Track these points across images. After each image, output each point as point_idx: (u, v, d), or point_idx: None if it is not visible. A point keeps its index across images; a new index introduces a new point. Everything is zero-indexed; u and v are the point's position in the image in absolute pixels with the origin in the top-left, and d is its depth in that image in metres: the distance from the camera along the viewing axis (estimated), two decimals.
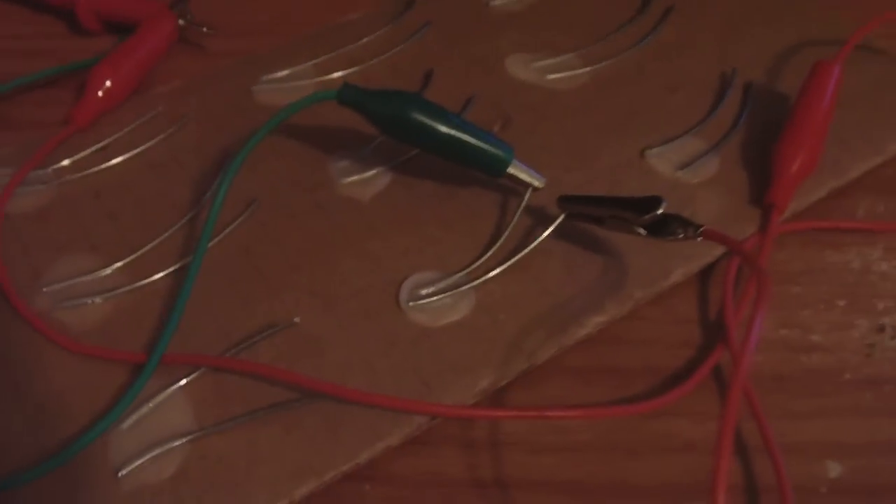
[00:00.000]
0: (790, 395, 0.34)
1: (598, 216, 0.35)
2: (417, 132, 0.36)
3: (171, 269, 0.35)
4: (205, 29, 0.47)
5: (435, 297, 0.34)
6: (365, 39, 0.46)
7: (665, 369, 0.34)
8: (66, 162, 0.39)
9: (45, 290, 0.35)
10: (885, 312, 0.36)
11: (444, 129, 0.36)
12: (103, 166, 0.39)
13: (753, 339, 0.26)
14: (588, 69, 0.44)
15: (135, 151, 0.40)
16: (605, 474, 0.32)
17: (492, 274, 0.35)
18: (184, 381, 0.32)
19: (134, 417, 0.31)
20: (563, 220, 0.36)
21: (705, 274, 0.37)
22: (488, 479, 0.31)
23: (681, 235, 0.33)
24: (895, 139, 0.41)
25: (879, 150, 0.41)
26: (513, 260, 0.35)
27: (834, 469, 0.32)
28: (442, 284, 0.35)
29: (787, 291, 0.37)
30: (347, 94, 0.36)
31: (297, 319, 0.34)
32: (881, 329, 0.36)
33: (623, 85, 0.44)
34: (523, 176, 0.37)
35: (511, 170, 0.37)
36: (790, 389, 0.34)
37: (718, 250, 0.36)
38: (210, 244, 0.36)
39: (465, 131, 0.36)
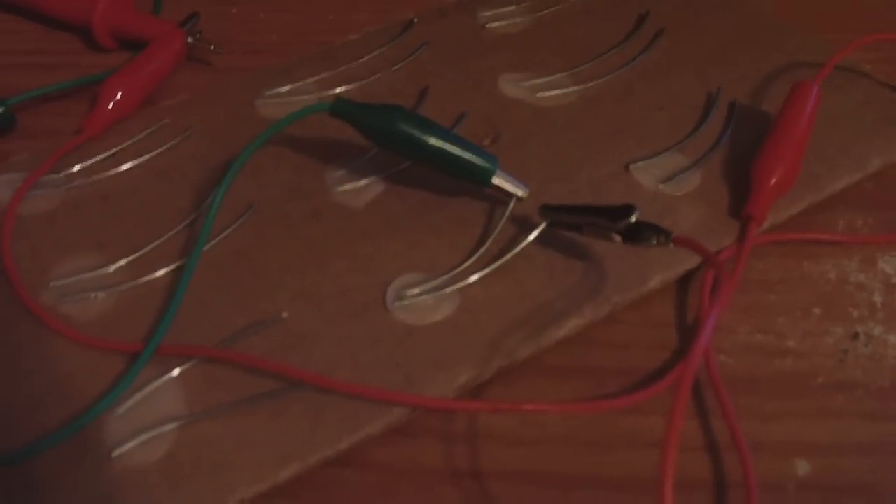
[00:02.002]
0: (763, 396, 0.35)
1: (577, 224, 0.37)
2: (405, 143, 0.38)
3: (170, 268, 0.37)
4: (212, 47, 0.49)
5: (420, 298, 0.36)
6: (365, 58, 0.48)
7: (640, 370, 0.36)
8: (76, 168, 0.42)
9: (51, 285, 0.36)
10: (859, 321, 0.38)
11: (431, 140, 0.38)
12: (111, 172, 0.41)
13: (708, 329, 0.27)
14: (577, 88, 0.46)
15: (142, 159, 0.42)
16: (578, 467, 0.33)
17: (475, 277, 0.37)
18: (177, 371, 0.33)
19: (129, 403, 0.32)
20: (545, 227, 0.37)
21: (684, 281, 0.39)
22: (465, 468, 0.33)
23: (654, 242, 0.34)
24: (875, 156, 0.42)
25: (860, 167, 0.42)
26: (496, 264, 0.37)
27: (802, 467, 0.33)
28: (428, 286, 0.36)
29: (765, 299, 0.38)
30: (340, 107, 0.38)
31: (284, 315, 0.35)
32: (855, 336, 0.37)
33: (611, 103, 0.45)
34: (507, 186, 0.39)
35: (496, 180, 0.38)
36: (763, 391, 0.35)
37: (696, 259, 0.38)
38: (208, 246, 0.38)
39: (451, 142, 0.38)
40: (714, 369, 0.35)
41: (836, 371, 0.36)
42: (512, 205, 0.39)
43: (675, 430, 0.26)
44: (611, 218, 0.35)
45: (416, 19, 0.51)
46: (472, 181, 0.39)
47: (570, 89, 0.46)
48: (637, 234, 0.35)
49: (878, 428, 0.34)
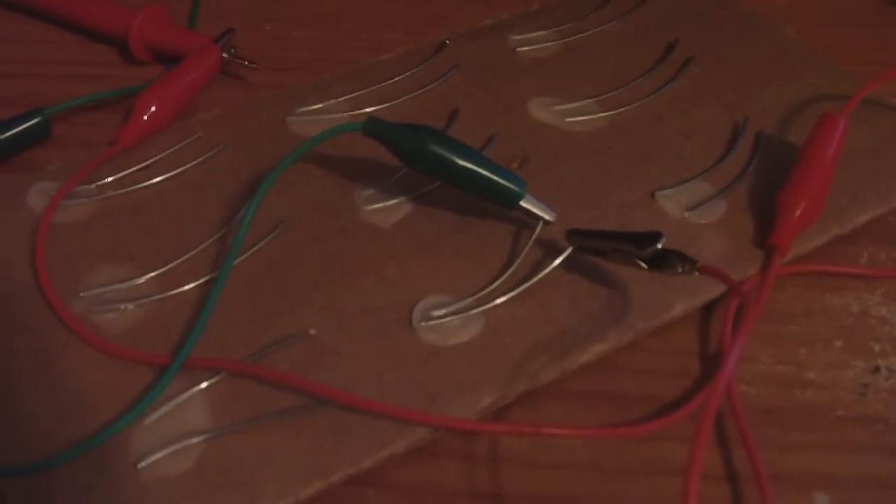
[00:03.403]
0: (783, 427, 0.35)
1: (602, 249, 0.37)
2: (436, 164, 0.38)
3: (200, 281, 0.38)
4: (246, 62, 0.50)
5: (446, 319, 0.36)
6: (396, 78, 0.49)
7: (662, 397, 0.36)
8: (109, 179, 0.42)
9: (82, 295, 0.37)
10: (880, 355, 0.38)
11: (460, 161, 0.38)
12: (144, 184, 0.42)
13: (732, 359, 0.28)
14: (605, 114, 0.46)
15: (174, 172, 0.43)
16: (600, 492, 0.33)
17: (501, 300, 0.37)
18: (204, 384, 0.34)
19: (156, 415, 0.33)
20: (571, 252, 0.38)
21: (707, 310, 0.39)
22: (486, 490, 0.33)
23: (679, 270, 0.35)
24: None
25: (885, 201, 0.42)
26: (522, 287, 0.37)
27: (821, 500, 0.33)
28: (453, 307, 0.37)
29: (786, 330, 0.38)
30: (372, 127, 0.39)
31: (312, 332, 0.36)
32: (876, 370, 0.37)
33: (638, 130, 0.46)
34: (535, 209, 0.39)
35: (524, 203, 0.39)
36: (783, 422, 0.35)
37: (720, 288, 0.38)
38: (237, 260, 0.38)
39: (480, 165, 0.38)
40: (735, 399, 0.35)
41: (857, 404, 0.36)
42: (539, 228, 0.39)
43: (699, 460, 0.27)
44: (637, 244, 0.35)
45: (448, 41, 0.51)
46: (501, 204, 0.39)
47: (599, 115, 0.46)
48: (663, 262, 0.35)
49: None
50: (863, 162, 0.44)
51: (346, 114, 0.46)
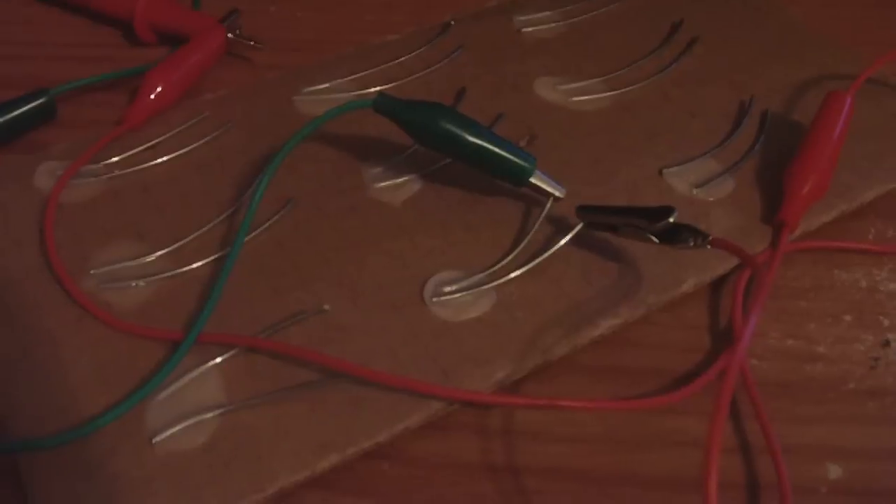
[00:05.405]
0: (794, 401, 0.35)
1: (613, 224, 0.37)
2: (446, 140, 0.38)
3: (210, 259, 0.38)
4: (252, 43, 0.50)
5: (457, 295, 0.36)
6: (402, 59, 0.48)
7: (673, 371, 0.36)
8: (116, 158, 0.42)
9: (92, 272, 0.37)
10: (890, 329, 0.38)
11: (471, 137, 0.38)
12: (151, 163, 0.42)
13: (750, 327, 0.28)
14: (611, 93, 0.47)
15: (182, 151, 0.43)
16: (613, 465, 0.33)
17: (512, 275, 0.37)
18: (219, 359, 0.34)
19: (170, 390, 0.33)
20: (582, 228, 0.38)
21: (717, 285, 0.39)
22: (500, 464, 0.33)
23: (691, 243, 0.35)
24: None
25: (891, 177, 0.42)
26: (533, 263, 0.37)
27: (834, 471, 0.33)
28: (465, 283, 0.37)
29: (795, 306, 0.39)
30: (382, 104, 0.39)
31: (326, 307, 0.36)
32: (886, 344, 0.37)
33: (644, 109, 0.46)
34: (545, 186, 0.39)
35: (534, 179, 0.39)
36: (794, 396, 0.35)
37: (730, 263, 0.38)
38: (248, 237, 0.38)
39: (491, 141, 0.38)
40: (747, 373, 0.35)
41: (867, 378, 0.36)
42: (549, 205, 0.39)
43: (718, 431, 0.27)
44: (649, 219, 0.36)
45: (452, 22, 0.51)
46: (511, 180, 0.39)
47: (605, 94, 0.46)
48: (674, 236, 0.35)
49: None
50: (869, 140, 0.44)
51: (353, 93, 0.46)
